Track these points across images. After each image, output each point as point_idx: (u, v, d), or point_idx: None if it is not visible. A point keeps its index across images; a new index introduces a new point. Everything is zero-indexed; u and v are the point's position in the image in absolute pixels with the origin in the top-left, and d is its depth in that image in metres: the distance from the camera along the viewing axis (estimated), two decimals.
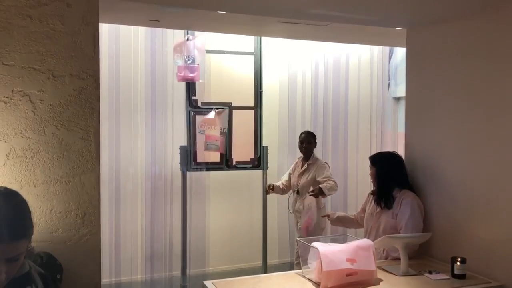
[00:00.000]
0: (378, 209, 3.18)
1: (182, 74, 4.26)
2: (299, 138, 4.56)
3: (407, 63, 3.47)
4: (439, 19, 3.10)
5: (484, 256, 2.79)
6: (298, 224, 4.48)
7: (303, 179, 4.42)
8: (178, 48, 4.28)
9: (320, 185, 4.19)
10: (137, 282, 4.52)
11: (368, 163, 3.32)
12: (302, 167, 4.48)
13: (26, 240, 1.56)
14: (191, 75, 4.25)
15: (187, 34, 4.28)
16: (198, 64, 4.28)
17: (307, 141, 4.47)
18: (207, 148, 4.37)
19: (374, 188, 3.28)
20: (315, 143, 4.53)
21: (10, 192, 1.62)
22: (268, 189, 4.55)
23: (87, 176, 2.14)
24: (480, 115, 2.84)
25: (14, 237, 1.50)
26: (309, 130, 4.87)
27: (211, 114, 4.39)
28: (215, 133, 4.36)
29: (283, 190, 4.67)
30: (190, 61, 4.25)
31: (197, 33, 4.30)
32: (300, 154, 4.60)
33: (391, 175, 3.16)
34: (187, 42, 4.25)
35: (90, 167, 2.15)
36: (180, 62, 4.25)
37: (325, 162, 4.49)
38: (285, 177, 4.69)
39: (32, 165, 2.06)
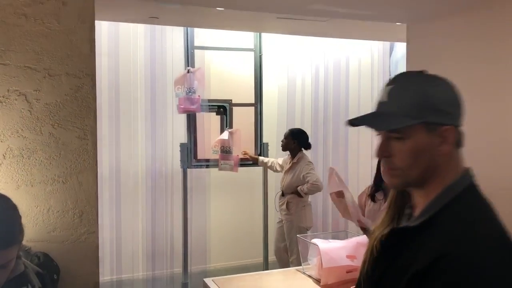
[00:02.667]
0: (383, 207, 3.15)
1: (183, 106, 4.32)
2: None
3: (407, 58, 3.45)
4: (440, 14, 3.07)
5: None
6: (283, 222, 4.45)
7: (288, 178, 4.40)
8: (179, 81, 4.35)
9: (298, 188, 4.28)
10: (138, 279, 4.53)
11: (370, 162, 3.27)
12: (289, 164, 4.46)
13: (16, 246, 1.51)
14: (192, 106, 4.31)
15: (188, 66, 4.37)
16: (199, 96, 4.34)
17: (285, 137, 4.45)
18: (221, 168, 4.45)
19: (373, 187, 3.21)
20: (296, 142, 4.40)
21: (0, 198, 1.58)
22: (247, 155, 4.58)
23: (84, 175, 2.13)
24: (481, 111, 2.81)
25: (4, 244, 1.46)
26: (310, 127, 4.84)
27: (225, 135, 4.42)
28: (228, 153, 4.41)
29: (270, 167, 4.62)
30: (190, 93, 4.30)
31: (197, 65, 4.39)
32: None
33: None
34: (188, 74, 4.33)
35: (87, 166, 2.14)
36: (181, 94, 4.31)
37: (310, 161, 4.42)
38: (279, 162, 4.60)
39: (29, 165, 2.06)
